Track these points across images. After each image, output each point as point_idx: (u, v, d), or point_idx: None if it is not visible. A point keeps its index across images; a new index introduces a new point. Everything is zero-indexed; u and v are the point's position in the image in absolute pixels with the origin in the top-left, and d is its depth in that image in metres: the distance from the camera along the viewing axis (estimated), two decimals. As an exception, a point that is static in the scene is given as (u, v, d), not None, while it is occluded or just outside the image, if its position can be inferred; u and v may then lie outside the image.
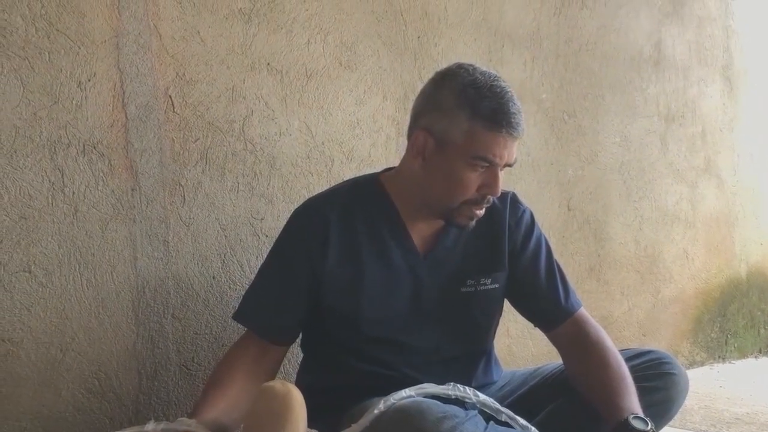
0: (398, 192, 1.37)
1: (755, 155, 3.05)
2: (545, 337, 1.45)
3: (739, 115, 2.99)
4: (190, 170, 1.60)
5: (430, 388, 1.19)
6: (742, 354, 2.98)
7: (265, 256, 1.41)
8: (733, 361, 2.91)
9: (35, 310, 1.41)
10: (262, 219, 1.70)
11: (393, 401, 1.14)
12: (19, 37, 1.40)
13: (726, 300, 2.94)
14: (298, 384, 1.36)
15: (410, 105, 1.36)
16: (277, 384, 1.11)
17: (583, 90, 2.42)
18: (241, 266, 1.66)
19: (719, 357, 2.90)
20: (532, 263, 1.43)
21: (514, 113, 1.25)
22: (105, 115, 1.49)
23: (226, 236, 1.64)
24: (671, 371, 1.35)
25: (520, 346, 2.20)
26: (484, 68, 1.29)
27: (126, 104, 1.52)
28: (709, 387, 2.47)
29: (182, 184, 1.59)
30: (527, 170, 2.25)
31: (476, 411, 1.17)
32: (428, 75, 1.36)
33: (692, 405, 2.15)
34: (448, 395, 1.18)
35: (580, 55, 2.41)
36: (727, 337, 2.93)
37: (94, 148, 1.48)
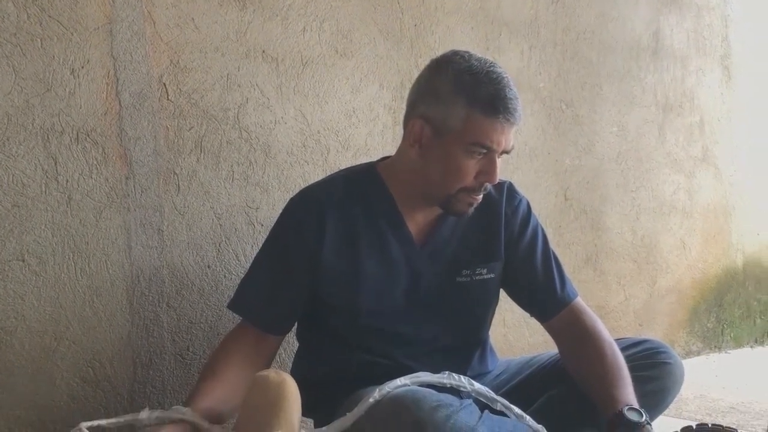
0: (395, 181, 1.36)
1: (753, 145, 3.04)
2: (541, 326, 1.45)
3: (738, 105, 2.98)
4: (184, 159, 1.59)
5: (425, 377, 1.18)
6: (738, 344, 2.99)
7: (261, 245, 1.40)
8: (728, 351, 2.92)
9: (29, 299, 1.41)
10: (257, 208, 1.69)
11: (388, 390, 1.13)
12: (11, 24, 1.38)
13: (722, 290, 2.94)
14: (293, 373, 1.36)
15: (407, 93, 1.35)
16: (271, 373, 1.10)
17: (581, 79, 2.41)
18: (236, 255, 1.66)
19: (715, 347, 2.91)
20: (528, 253, 1.42)
21: (511, 99, 1.24)
22: (98, 102, 1.48)
23: (221, 225, 1.64)
24: (667, 361, 1.35)
25: (517, 335, 2.20)
26: (479, 55, 1.29)
27: (120, 92, 1.50)
28: (704, 376, 2.47)
29: (177, 172, 1.58)
30: (524, 160, 2.24)
31: (471, 400, 1.17)
32: (425, 63, 1.35)
33: (688, 394, 2.16)
34: (443, 384, 1.18)
35: (578, 43, 2.39)
36: (723, 327, 2.94)
37: (88, 135, 1.47)
